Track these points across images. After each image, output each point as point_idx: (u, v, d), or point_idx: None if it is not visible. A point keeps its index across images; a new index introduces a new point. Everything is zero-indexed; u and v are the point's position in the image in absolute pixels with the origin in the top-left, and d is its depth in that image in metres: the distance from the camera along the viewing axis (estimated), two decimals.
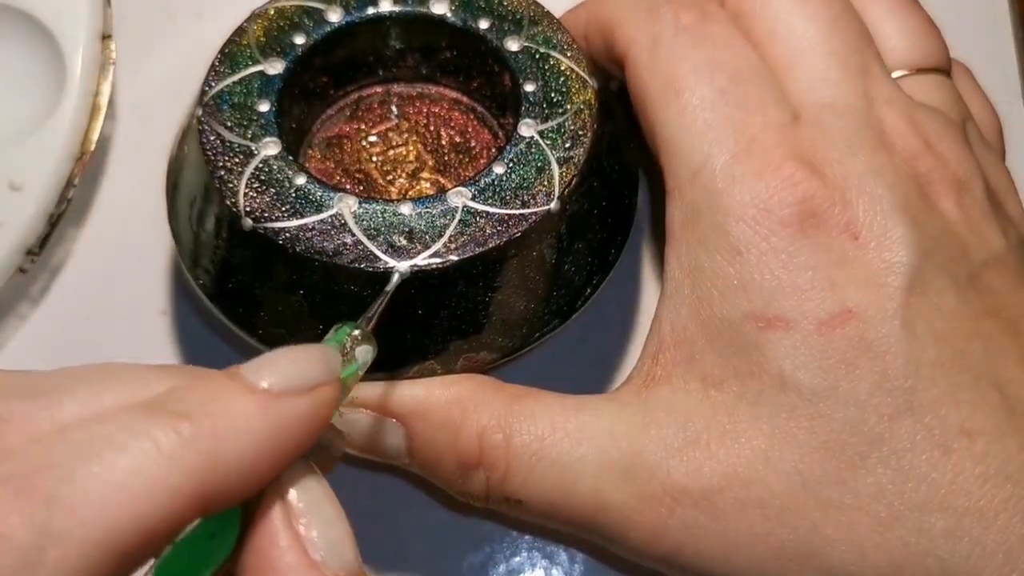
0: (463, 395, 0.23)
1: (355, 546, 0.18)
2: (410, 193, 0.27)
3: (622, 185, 0.26)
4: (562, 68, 0.26)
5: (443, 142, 0.28)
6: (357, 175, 0.27)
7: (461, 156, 0.28)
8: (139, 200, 0.31)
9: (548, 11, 0.27)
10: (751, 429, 0.22)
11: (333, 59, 0.27)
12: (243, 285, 0.24)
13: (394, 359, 0.24)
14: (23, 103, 0.29)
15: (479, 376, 0.24)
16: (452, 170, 0.28)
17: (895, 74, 0.25)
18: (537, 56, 0.26)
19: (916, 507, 0.20)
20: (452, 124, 0.28)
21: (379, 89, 0.29)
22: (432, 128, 0.28)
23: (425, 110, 0.28)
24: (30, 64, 0.30)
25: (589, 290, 0.25)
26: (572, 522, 0.23)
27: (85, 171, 0.29)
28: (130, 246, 0.31)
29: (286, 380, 0.17)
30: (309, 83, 0.27)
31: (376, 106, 0.28)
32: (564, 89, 0.25)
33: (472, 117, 0.28)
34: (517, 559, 0.28)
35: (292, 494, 0.17)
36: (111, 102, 0.30)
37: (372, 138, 0.28)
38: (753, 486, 0.21)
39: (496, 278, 0.24)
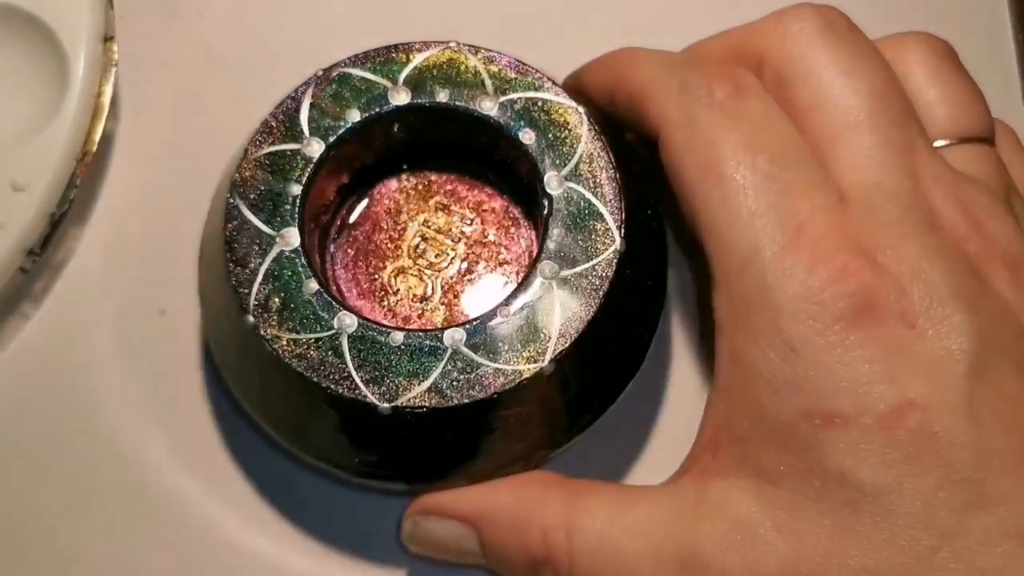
0: (526, 495, 0.24)
1: None
2: (427, 298, 0.27)
3: (639, 323, 0.26)
4: (595, 226, 0.25)
5: (483, 238, 0.27)
6: (387, 253, 0.27)
7: (492, 256, 0.27)
8: (140, 200, 0.31)
9: (592, 132, 0.26)
10: (811, 524, 0.21)
11: (379, 142, 0.27)
12: (243, 367, 0.25)
13: (417, 475, 0.25)
14: (25, 104, 0.30)
15: (542, 474, 0.25)
16: (476, 270, 0.27)
17: (937, 143, 0.25)
18: (575, 199, 0.25)
19: None
20: (494, 218, 0.28)
21: (421, 179, 0.28)
22: (476, 217, 0.28)
23: (471, 197, 0.28)
24: (32, 65, 0.30)
25: (589, 418, 0.25)
26: None
27: (87, 172, 0.29)
28: (131, 246, 0.31)
29: None
30: (350, 161, 0.27)
31: (423, 183, 0.28)
32: (591, 241, 0.25)
33: (511, 217, 0.28)
34: None
35: None
36: (113, 103, 0.30)
37: (415, 218, 0.28)
38: None
39: (481, 425, 0.24)
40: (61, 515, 0.28)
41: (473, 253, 0.27)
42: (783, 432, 0.22)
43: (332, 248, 0.27)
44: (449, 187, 0.28)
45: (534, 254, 0.26)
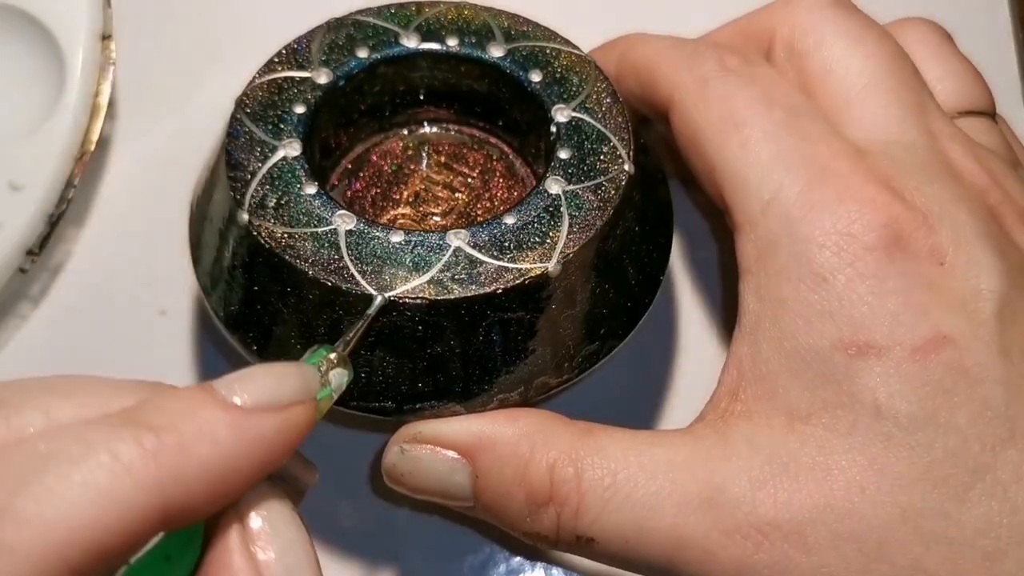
0: (531, 428, 0.22)
1: (316, 570, 0.17)
2: (418, 224, 0.27)
3: (647, 256, 0.25)
4: (603, 149, 0.25)
5: (485, 194, 0.27)
6: (384, 203, 0.27)
7: (496, 210, 0.27)
8: (139, 200, 0.31)
9: (600, 75, 0.26)
10: (844, 460, 0.21)
11: (386, 84, 0.27)
12: (236, 282, 0.24)
13: (408, 394, 0.23)
14: (23, 103, 0.29)
15: (544, 411, 0.23)
16: (479, 220, 0.27)
17: None
18: (583, 127, 0.25)
19: None
20: (499, 176, 0.28)
21: (432, 127, 0.28)
22: (478, 177, 0.28)
23: (474, 158, 0.28)
24: (30, 64, 0.30)
25: (594, 349, 0.24)
26: (648, 561, 0.21)
27: (85, 171, 0.29)
28: (130, 246, 0.31)
29: (260, 397, 0.17)
30: (355, 101, 0.27)
31: (425, 143, 0.28)
32: (600, 161, 0.25)
33: (517, 174, 0.28)
34: (517, 559, 0.27)
35: (252, 515, 0.17)
36: (111, 102, 0.30)
37: (416, 175, 0.28)
38: (848, 519, 0.20)
39: (481, 329, 0.22)
40: None
41: (473, 205, 0.27)
42: (815, 364, 0.21)
43: (332, 194, 0.27)
44: (454, 144, 0.28)
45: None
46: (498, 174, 0.28)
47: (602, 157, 0.24)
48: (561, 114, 0.25)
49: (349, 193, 0.27)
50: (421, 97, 0.28)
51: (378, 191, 0.27)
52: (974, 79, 0.26)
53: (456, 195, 0.27)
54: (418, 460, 0.23)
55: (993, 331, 0.21)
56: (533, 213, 0.23)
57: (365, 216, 0.25)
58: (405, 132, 0.28)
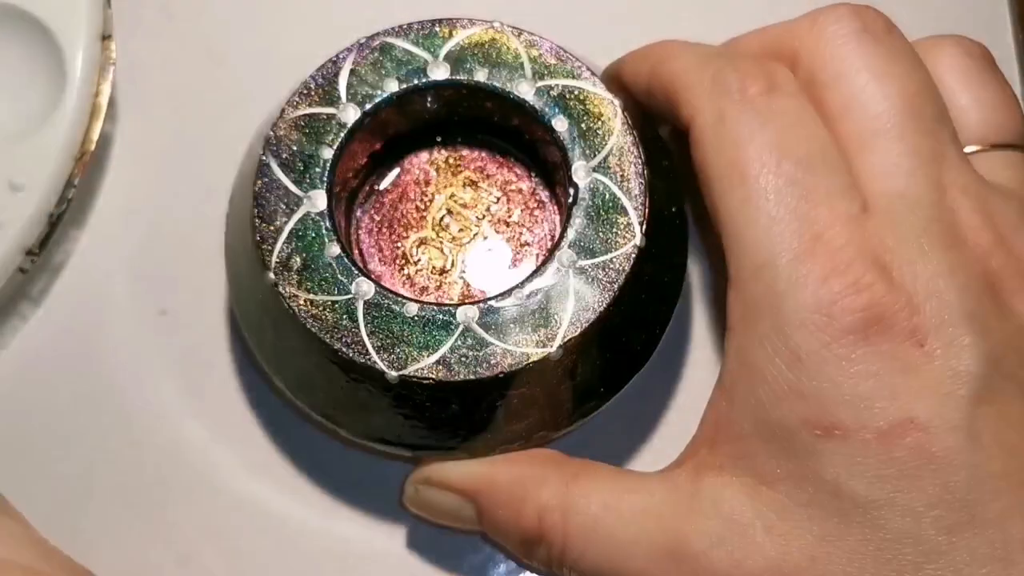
0: (524, 473, 0.24)
1: None
2: (439, 287, 0.27)
3: (651, 318, 0.26)
4: (618, 220, 0.25)
5: (507, 216, 0.28)
6: (410, 223, 0.27)
7: (514, 235, 0.27)
8: (140, 200, 0.31)
9: (625, 125, 0.26)
10: (799, 529, 0.21)
11: (414, 115, 0.27)
12: (267, 328, 0.25)
13: (419, 445, 0.25)
14: (23, 103, 0.29)
15: (542, 452, 0.25)
16: (498, 247, 0.27)
17: (968, 148, 0.25)
18: (600, 192, 0.25)
19: None
20: (520, 198, 0.28)
21: (452, 153, 0.28)
22: (503, 196, 0.28)
23: (500, 176, 0.28)
24: (30, 64, 0.29)
25: (592, 405, 0.25)
26: None
27: (85, 171, 0.29)
28: (130, 246, 0.31)
29: None
30: (383, 130, 0.27)
31: (453, 157, 0.28)
32: (612, 234, 0.25)
33: (536, 198, 0.28)
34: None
35: None
36: (111, 102, 0.30)
37: (443, 192, 0.28)
38: None
39: (485, 402, 0.24)
40: (62, 515, 0.28)
41: (496, 231, 0.27)
42: (782, 437, 0.22)
43: (358, 213, 0.28)
44: (479, 164, 0.28)
45: (556, 238, 0.27)
46: (521, 195, 0.28)
47: (615, 230, 0.25)
48: (581, 174, 0.25)
49: (375, 213, 0.27)
50: (446, 123, 0.28)
51: (403, 211, 0.28)
52: (1004, 108, 0.25)
53: (479, 216, 0.28)
54: (430, 498, 0.25)
55: (965, 415, 0.21)
56: (542, 290, 0.24)
57: (393, 235, 0.27)
58: (432, 147, 0.28)
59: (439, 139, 0.28)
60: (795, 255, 0.22)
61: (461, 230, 0.27)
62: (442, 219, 0.27)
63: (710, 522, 0.22)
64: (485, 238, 0.27)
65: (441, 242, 0.27)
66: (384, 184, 0.28)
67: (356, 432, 0.25)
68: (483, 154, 0.28)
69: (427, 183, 0.28)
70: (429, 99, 0.27)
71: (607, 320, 0.24)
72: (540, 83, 0.26)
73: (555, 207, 0.28)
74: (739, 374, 0.23)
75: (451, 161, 0.28)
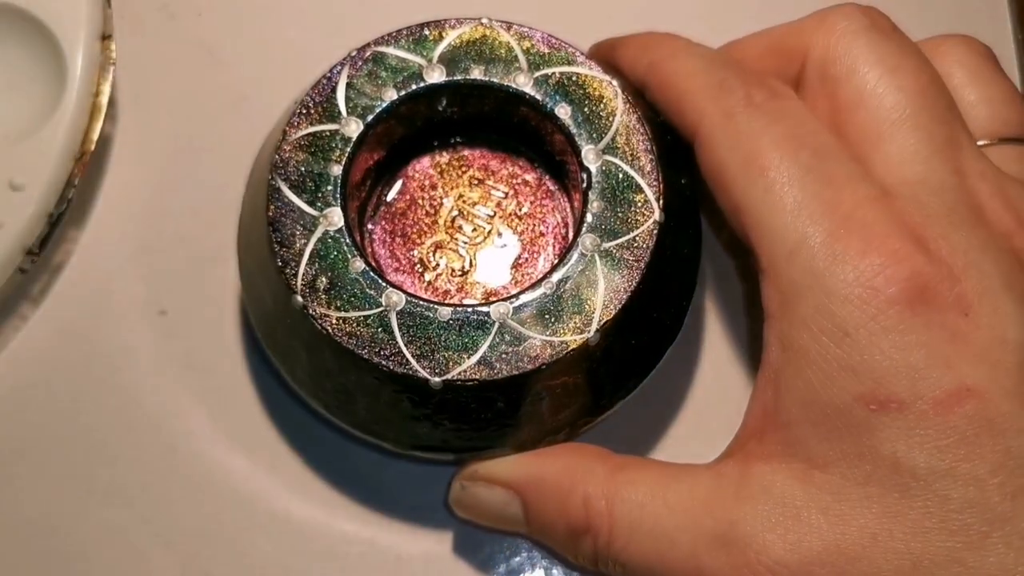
0: (571, 465, 0.24)
1: None
2: (461, 289, 0.27)
3: (677, 291, 0.26)
4: (634, 198, 0.25)
5: (518, 210, 0.28)
6: (423, 229, 0.27)
7: (528, 228, 0.27)
8: (139, 200, 0.31)
9: (627, 104, 0.26)
10: (858, 508, 0.21)
11: (416, 119, 0.27)
12: (298, 354, 0.25)
13: (465, 447, 0.25)
14: (23, 103, 0.29)
15: (586, 446, 0.25)
16: (512, 243, 0.27)
17: (978, 143, 0.25)
18: (613, 173, 0.25)
19: None
20: (529, 191, 0.28)
21: (454, 154, 0.28)
22: (511, 191, 0.28)
23: (505, 172, 0.28)
24: (30, 64, 0.29)
25: (631, 385, 0.25)
26: None
27: (85, 171, 0.29)
28: (130, 246, 0.31)
29: None
30: (387, 138, 0.27)
31: (457, 159, 0.28)
32: (631, 213, 0.25)
33: (545, 189, 0.28)
34: (517, 559, 0.28)
35: None
36: (111, 102, 0.30)
37: (450, 194, 0.28)
38: (859, 563, 0.21)
39: (528, 396, 0.24)
40: (61, 515, 0.28)
41: (509, 226, 0.27)
42: (834, 417, 0.22)
43: (370, 226, 0.28)
44: (482, 162, 0.28)
45: (570, 225, 0.27)
46: (529, 187, 0.28)
47: (633, 208, 0.25)
48: (591, 157, 0.25)
49: (386, 224, 0.27)
50: (447, 123, 0.28)
51: (414, 218, 0.27)
52: (1012, 103, 0.26)
53: (490, 214, 0.28)
54: (477, 496, 0.25)
55: (1018, 381, 0.21)
56: (571, 277, 0.24)
57: (407, 243, 0.27)
58: (433, 150, 0.28)
59: (436, 143, 0.28)
60: (828, 234, 0.22)
61: (474, 230, 0.27)
62: (454, 220, 0.27)
63: (761, 506, 0.22)
64: (499, 234, 0.27)
65: (456, 244, 0.27)
66: (391, 194, 0.28)
67: (401, 444, 0.25)
68: (485, 152, 0.28)
69: (433, 187, 0.28)
70: (430, 104, 0.27)
71: (638, 298, 0.24)
72: (537, 73, 0.26)
73: (564, 195, 0.28)
74: (784, 360, 0.23)
75: (454, 163, 0.28)
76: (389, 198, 0.28)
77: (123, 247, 0.31)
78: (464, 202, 0.28)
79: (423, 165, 0.28)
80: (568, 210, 0.27)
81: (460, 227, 0.27)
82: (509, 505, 0.25)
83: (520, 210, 0.28)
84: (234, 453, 0.28)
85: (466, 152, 0.28)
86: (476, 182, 0.28)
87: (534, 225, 0.27)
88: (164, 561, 0.28)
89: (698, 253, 0.26)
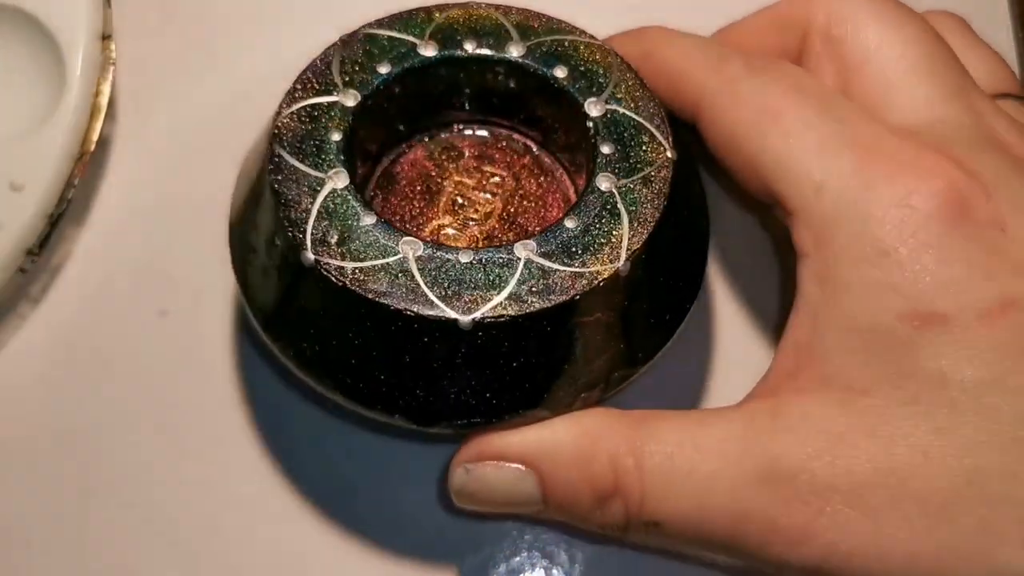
0: (587, 427, 0.23)
1: None
2: (479, 241, 0.27)
3: (696, 231, 0.26)
4: (643, 139, 0.25)
5: (518, 191, 0.27)
6: (423, 215, 0.27)
7: (533, 206, 0.27)
8: (139, 200, 0.31)
9: (622, 63, 0.26)
10: (906, 427, 0.21)
11: (412, 96, 0.27)
12: (308, 325, 0.24)
13: (497, 408, 0.23)
14: (23, 103, 0.29)
15: (599, 408, 0.24)
16: (521, 220, 0.27)
17: None
18: (618, 119, 0.25)
19: None
20: (528, 172, 0.28)
21: (453, 130, 0.28)
22: (509, 175, 0.28)
23: (501, 156, 0.28)
24: (30, 64, 0.30)
25: (659, 339, 0.25)
26: (713, 538, 0.22)
27: (85, 171, 0.29)
28: (130, 246, 0.31)
29: None
30: (384, 117, 0.27)
31: (450, 148, 0.28)
32: (642, 153, 0.25)
33: (546, 168, 0.28)
34: (517, 559, 0.27)
35: None
36: (111, 102, 0.30)
37: (447, 181, 0.28)
38: (910, 481, 0.20)
39: (563, 335, 0.23)
40: (61, 515, 0.28)
41: (511, 206, 0.27)
42: (876, 341, 0.21)
43: (374, 192, 0.27)
44: (477, 148, 0.28)
45: (575, 196, 0.27)
46: (527, 169, 0.28)
47: (643, 148, 0.25)
48: (594, 108, 0.25)
49: (385, 209, 0.27)
50: (442, 101, 0.28)
51: (414, 203, 0.27)
52: (1002, 65, 0.27)
53: (491, 196, 0.27)
54: (484, 477, 0.23)
55: None
56: (592, 213, 0.24)
57: (408, 232, 0.25)
58: (427, 139, 0.28)
59: (431, 129, 0.28)
60: (855, 164, 0.22)
61: (476, 211, 0.27)
62: (454, 204, 0.27)
63: (803, 437, 0.21)
64: (502, 212, 0.27)
65: (460, 223, 0.27)
66: (385, 183, 0.28)
67: (425, 415, 0.23)
68: (480, 134, 0.28)
69: (429, 177, 0.28)
70: (426, 78, 0.27)
71: (662, 231, 0.24)
72: (528, 42, 0.26)
73: (566, 175, 0.28)
74: (820, 295, 0.22)
75: (450, 152, 0.28)
76: (383, 186, 0.28)
77: (123, 247, 0.31)
78: (464, 187, 0.27)
79: (417, 156, 0.28)
80: (569, 188, 0.27)
81: (462, 207, 0.27)
82: (522, 482, 0.23)
83: (519, 190, 0.27)
84: (234, 453, 0.28)
85: (460, 142, 0.28)
86: (473, 168, 0.28)
87: (536, 203, 0.27)
88: (165, 561, 0.28)
89: (703, 191, 0.26)
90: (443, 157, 0.28)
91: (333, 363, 0.23)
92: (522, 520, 0.25)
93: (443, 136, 0.28)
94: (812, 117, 0.23)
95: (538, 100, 0.27)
